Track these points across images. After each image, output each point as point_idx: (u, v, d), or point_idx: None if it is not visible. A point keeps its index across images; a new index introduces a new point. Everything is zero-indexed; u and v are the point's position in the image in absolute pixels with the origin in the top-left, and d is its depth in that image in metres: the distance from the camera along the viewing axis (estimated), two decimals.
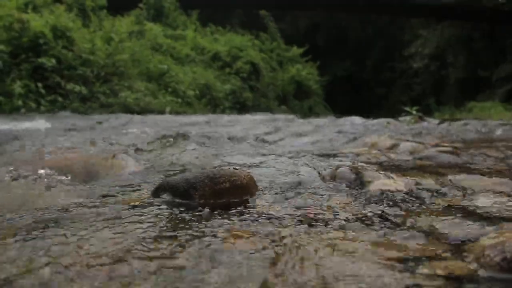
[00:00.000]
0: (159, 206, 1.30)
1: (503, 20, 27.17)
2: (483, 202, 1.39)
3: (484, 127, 6.51)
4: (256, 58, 21.70)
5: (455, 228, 1.09)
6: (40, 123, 5.69)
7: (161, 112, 12.06)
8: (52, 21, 12.10)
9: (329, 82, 30.33)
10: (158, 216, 1.18)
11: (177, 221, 1.12)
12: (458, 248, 0.93)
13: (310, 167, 2.04)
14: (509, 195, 1.49)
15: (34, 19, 11.73)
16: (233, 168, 1.53)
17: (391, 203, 1.37)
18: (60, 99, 11.28)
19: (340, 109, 20.18)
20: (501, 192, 1.55)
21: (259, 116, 9.61)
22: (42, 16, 12.30)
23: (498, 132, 5.73)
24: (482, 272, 0.79)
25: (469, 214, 1.24)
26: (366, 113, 10.86)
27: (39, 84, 10.94)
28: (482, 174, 1.90)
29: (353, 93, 35.65)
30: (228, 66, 20.16)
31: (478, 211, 1.28)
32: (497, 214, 1.23)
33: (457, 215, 1.23)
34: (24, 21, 11.29)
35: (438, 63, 31.39)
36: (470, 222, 1.14)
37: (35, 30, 11.35)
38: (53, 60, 11.41)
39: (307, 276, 0.78)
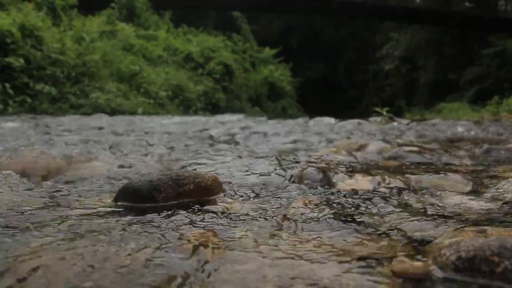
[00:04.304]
0: (122, 208, 1.28)
1: (472, 26, 27.81)
2: (445, 201, 1.41)
3: (451, 127, 6.64)
4: (228, 59, 21.71)
5: (416, 227, 1.09)
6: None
7: (133, 113, 11.91)
8: (20, 19, 11.84)
9: (302, 84, 30.55)
10: (121, 218, 1.16)
11: (139, 224, 1.10)
12: (418, 248, 0.93)
13: (279, 167, 2.04)
14: (471, 194, 1.51)
15: (0, 17, 11.46)
16: (197, 169, 1.52)
17: (355, 202, 1.37)
18: (28, 100, 11.05)
19: (313, 111, 20.29)
20: (464, 191, 1.57)
21: (230, 117, 9.58)
22: (9, 14, 12.02)
23: (464, 132, 5.85)
24: (438, 271, 0.79)
25: (431, 213, 1.25)
26: (339, 115, 10.91)
27: (7, 85, 10.70)
28: (447, 173, 1.93)
29: (326, 95, 35.95)
30: (200, 67, 20.11)
31: (440, 210, 1.29)
32: (459, 213, 1.24)
33: (419, 214, 1.23)
34: None
35: (408, 65, 31.98)
36: (432, 221, 1.15)
37: (1, 29, 11.08)
38: (21, 60, 11.17)
39: (263, 277, 0.77)
